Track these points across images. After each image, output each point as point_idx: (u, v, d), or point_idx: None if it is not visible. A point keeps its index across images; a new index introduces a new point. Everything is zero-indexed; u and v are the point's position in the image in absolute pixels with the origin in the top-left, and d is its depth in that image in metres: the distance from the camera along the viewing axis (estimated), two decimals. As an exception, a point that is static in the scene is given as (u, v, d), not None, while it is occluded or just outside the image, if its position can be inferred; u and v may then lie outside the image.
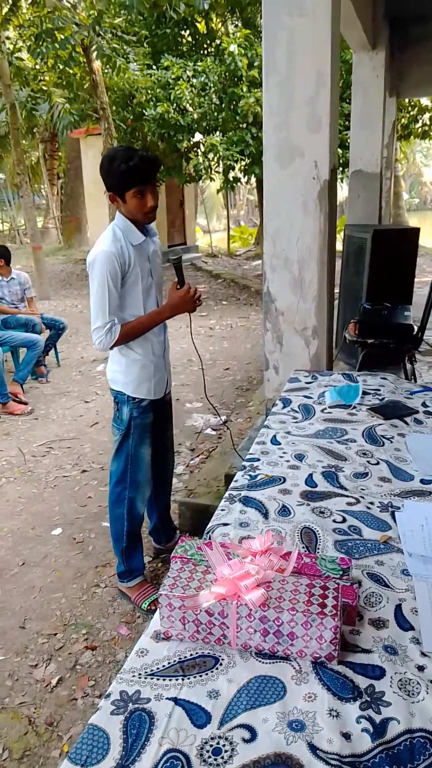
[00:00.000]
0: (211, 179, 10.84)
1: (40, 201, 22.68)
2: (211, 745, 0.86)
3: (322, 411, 2.16)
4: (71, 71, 8.88)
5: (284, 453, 1.81)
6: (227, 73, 8.85)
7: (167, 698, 0.94)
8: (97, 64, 8.14)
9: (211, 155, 9.36)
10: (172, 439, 2.79)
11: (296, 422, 2.07)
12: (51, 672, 2.21)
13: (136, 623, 2.46)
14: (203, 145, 9.71)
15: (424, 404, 2.22)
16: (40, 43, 7.57)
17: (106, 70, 8.60)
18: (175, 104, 8.78)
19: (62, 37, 7.27)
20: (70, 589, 2.69)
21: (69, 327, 6.06)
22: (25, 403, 5.02)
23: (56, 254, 15.39)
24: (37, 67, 9.96)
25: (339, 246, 4.26)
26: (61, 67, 8.53)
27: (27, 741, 1.94)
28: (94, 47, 7.40)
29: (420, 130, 11.87)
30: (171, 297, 2.32)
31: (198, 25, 10.28)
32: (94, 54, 7.62)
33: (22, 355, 5.34)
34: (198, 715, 0.91)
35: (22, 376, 5.22)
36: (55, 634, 2.41)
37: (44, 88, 10.25)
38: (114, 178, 2.11)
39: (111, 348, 2.25)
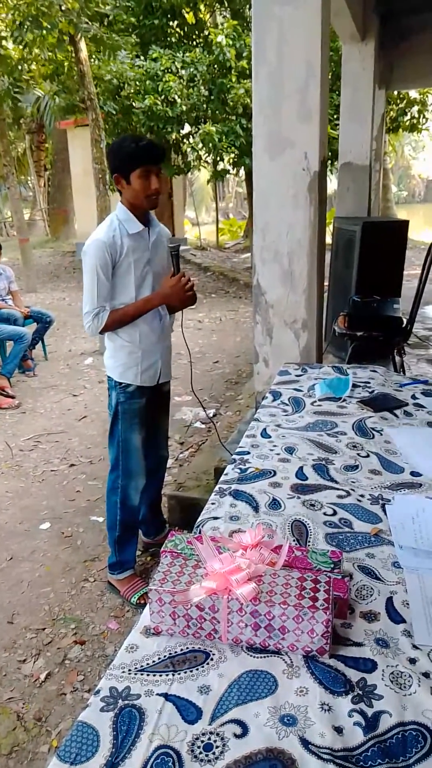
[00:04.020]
0: (200, 169, 10.78)
1: (27, 193, 22.47)
2: (203, 741, 0.85)
3: (312, 404, 2.16)
4: (57, 58, 8.74)
5: (274, 446, 1.81)
6: (216, 64, 8.79)
7: (157, 694, 0.93)
8: (84, 54, 8.04)
9: (201, 146, 9.30)
10: (167, 430, 2.79)
11: (286, 415, 2.06)
12: (39, 667, 2.20)
13: (126, 617, 2.46)
14: (194, 136, 9.65)
15: (413, 397, 2.22)
16: (24, 29, 7.43)
17: (93, 60, 8.50)
18: (163, 96, 8.70)
19: (48, 26, 7.15)
20: (58, 583, 2.68)
21: (56, 320, 6.01)
22: (13, 397, 4.98)
23: (43, 246, 15.27)
24: (22, 55, 9.80)
25: (328, 238, 4.26)
26: (47, 54, 8.38)
27: (15, 736, 1.92)
28: (80, 33, 7.29)
29: (408, 122, 11.84)
30: (162, 285, 2.34)
31: (186, 15, 10.19)
32: (81, 40, 7.51)
33: (9, 348, 5.29)
34: (189, 711, 0.90)
35: (9, 370, 5.17)
36: (44, 629, 2.40)
37: (29, 77, 10.11)
38: (122, 157, 2.15)
39: (102, 332, 2.30)
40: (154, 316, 2.38)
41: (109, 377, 2.44)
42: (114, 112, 9.26)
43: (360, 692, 0.92)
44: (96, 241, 2.19)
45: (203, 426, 4.29)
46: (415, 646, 1.01)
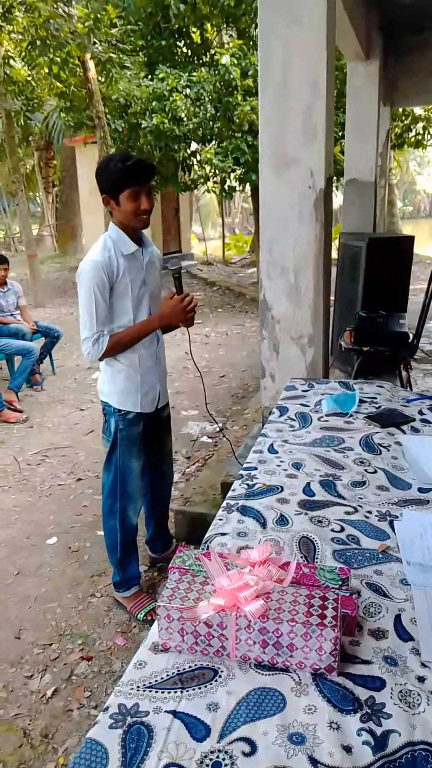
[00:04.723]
0: (208, 191, 10.86)
1: (36, 209, 22.69)
2: (211, 759, 0.85)
3: (319, 419, 2.16)
4: (65, 77, 8.89)
5: (282, 462, 1.81)
6: (221, 83, 8.90)
7: (166, 711, 0.93)
8: (92, 74, 8.18)
9: (207, 167, 9.39)
10: (171, 452, 2.77)
11: (293, 430, 2.07)
12: (46, 683, 2.19)
13: (132, 633, 2.45)
14: (199, 154, 9.75)
15: (420, 412, 2.21)
16: (34, 50, 7.58)
17: (101, 79, 8.64)
18: (170, 115, 8.81)
19: (56, 46, 7.30)
20: (65, 598, 2.67)
21: (64, 335, 6.04)
22: (20, 411, 5.00)
23: (51, 262, 15.39)
24: (31, 75, 9.98)
25: (334, 254, 4.28)
26: (55, 72, 8.52)
27: (22, 753, 1.92)
28: (89, 54, 7.44)
29: (413, 138, 11.95)
30: (162, 306, 2.29)
31: (193, 35, 10.34)
32: (90, 60, 7.65)
33: (17, 363, 5.33)
34: (197, 729, 0.90)
35: (17, 384, 5.20)
36: (51, 645, 2.39)
37: (38, 96, 10.27)
38: (110, 178, 2.10)
39: (101, 359, 2.23)
40: (151, 339, 2.34)
41: (106, 403, 2.36)
42: (121, 130, 9.40)
43: (369, 711, 0.92)
44: (91, 262, 2.12)
45: (210, 440, 4.29)
46: (423, 664, 1.01)
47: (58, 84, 9.11)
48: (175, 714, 0.92)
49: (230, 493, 1.64)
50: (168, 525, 2.91)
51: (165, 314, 2.27)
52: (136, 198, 2.12)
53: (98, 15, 7.42)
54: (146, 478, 2.69)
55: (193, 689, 0.97)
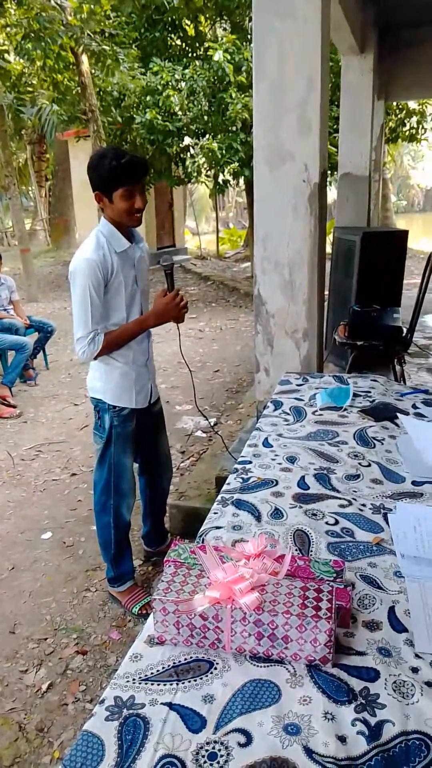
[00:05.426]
0: (202, 182, 10.83)
1: (28, 203, 22.56)
2: (207, 750, 0.85)
3: (314, 413, 2.16)
4: (58, 69, 8.82)
5: (276, 455, 1.81)
6: (215, 78, 8.86)
7: (162, 703, 0.94)
8: (85, 67, 8.12)
9: (203, 160, 9.34)
10: (168, 447, 2.77)
11: (288, 424, 2.07)
12: (41, 677, 2.20)
13: (127, 627, 2.45)
14: (193, 148, 9.71)
15: (414, 406, 2.23)
16: (27, 42, 7.53)
17: (94, 72, 8.58)
18: (164, 109, 8.75)
19: (49, 39, 7.26)
20: (60, 593, 2.67)
21: (58, 329, 6.02)
22: (14, 406, 4.99)
23: (44, 256, 15.33)
24: (25, 69, 9.92)
25: (328, 248, 4.28)
26: (49, 65, 8.46)
27: (17, 747, 1.92)
28: (82, 47, 7.40)
29: (407, 133, 11.93)
30: (156, 304, 2.27)
31: (187, 28, 10.29)
32: (82, 53, 7.61)
33: (10, 358, 5.31)
34: (193, 720, 0.90)
35: (10, 379, 5.19)
36: (46, 639, 2.39)
37: (31, 90, 10.21)
38: (103, 175, 2.06)
39: (95, 358, 2.22)
40: (143, 336, 2.33)
41: (99, 400, 2.35)
42: (114, 123, 9.34)
43: (363, 701, 0.93)
44: (86, 260, 2.09)
45: (204, 435, 4.30)
46: (417, 656, 1.02)
47: (53, 75, 9.04)
48: (170, 706, 0.93)
49: (225, 487, 1.64)
50: (164, 520, 2.91)
51: (159, 312, 2.26)
52: (131, 197, 2.08)
53: (91, 7, 7.37)
54: (145, 475, 2.70)
55: (189, 681, 0.98)
